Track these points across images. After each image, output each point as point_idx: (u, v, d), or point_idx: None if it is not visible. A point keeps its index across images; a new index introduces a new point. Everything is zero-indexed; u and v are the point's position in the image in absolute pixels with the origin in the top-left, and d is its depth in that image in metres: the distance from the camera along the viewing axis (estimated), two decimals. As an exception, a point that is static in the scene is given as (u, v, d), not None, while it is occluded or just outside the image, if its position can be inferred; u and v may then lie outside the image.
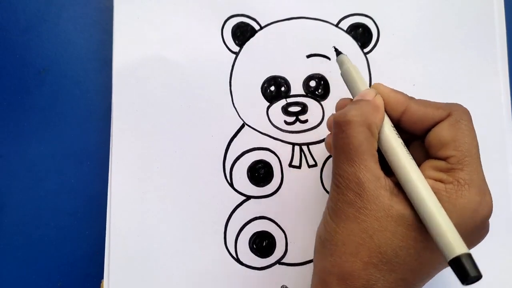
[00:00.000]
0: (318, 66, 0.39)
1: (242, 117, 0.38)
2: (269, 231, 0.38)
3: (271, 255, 0.37)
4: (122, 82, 0.38)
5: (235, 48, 0.39)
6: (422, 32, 0.39)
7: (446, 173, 0.27)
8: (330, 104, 0.38)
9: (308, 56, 0.39)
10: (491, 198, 0.27)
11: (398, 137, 0.28)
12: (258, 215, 0.38)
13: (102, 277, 0.37)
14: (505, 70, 0.39)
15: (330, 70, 0.38)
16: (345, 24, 0.39)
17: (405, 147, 0.28)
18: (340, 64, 0.32)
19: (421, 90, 0.39)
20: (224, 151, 0.38)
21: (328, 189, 0.38)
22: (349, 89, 0.31)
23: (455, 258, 0.24)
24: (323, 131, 0.38)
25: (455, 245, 0.24)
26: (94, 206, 0.39)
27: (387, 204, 0.26)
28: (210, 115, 0.38)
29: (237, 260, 0.37)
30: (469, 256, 0.24)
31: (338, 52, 0.33)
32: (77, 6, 0.41)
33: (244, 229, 0.38)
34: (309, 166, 0.38)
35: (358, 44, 0.39)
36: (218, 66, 0.39)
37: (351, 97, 0.31)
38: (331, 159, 0.38)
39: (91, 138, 0.40)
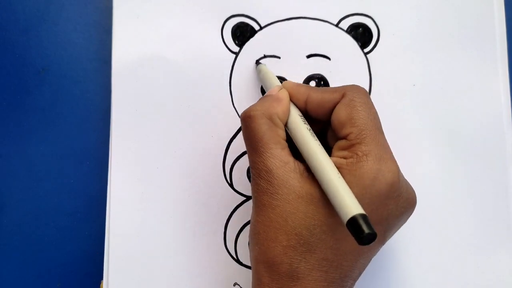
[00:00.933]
0: (318, 66, 0.39)
1: (242, 117, 0.38)
2: (269, 231, 0.38)
3: (271, 255, 0.37)
4: (122, 82, 0.38)
5: (235, 48, 0.39)
6: (422, 32, 0.39)
7: (347, 150, 0.28)
8: (330, 104, 0.38)
9: (308, 56, 0.39)
10: (395, 165, 0.28)
11: (305, 123, 0.30)
12: (258, 215, 0.38)
13: (102, 277, 0.37)
14: (505, 70, 0.39)
15: (330, 70, 0.38)
16: (345, 24, 0.39)
17: (311, 131, 0.30)
18: (259, 71, 0.37)
19: (421, 90, 0.39)
20: (224, 151, 0.38)
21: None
22: (265, 88, 0.35)
23: (351, 219, 0.24)
24: (323, 131, 0.38)
25: (349, 207, 0.25)
26: (93, 206, 0.39)
27: (297, 186, 0.27)
28: (210, 115, 0.38)
29: (237, 260, 0.37)
30: (363, 216, 0.24)
31: (257, 63, 0.38)
32: (77, 6, 0.41)
33: (244, 230, 0.38)
34: (309, 166, 0.38)
35: (358, 44, 0.39)
36: (218, 66, 0.39)
37: None
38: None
39: (91, 138, 0.40)
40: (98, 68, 0.40)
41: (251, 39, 0.39)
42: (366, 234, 0.24)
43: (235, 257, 0.37)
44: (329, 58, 0.39)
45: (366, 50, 0.39)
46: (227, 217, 0.38)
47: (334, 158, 0.28)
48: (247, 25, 0.39)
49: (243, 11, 0.39)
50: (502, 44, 0.39)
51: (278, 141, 0.29)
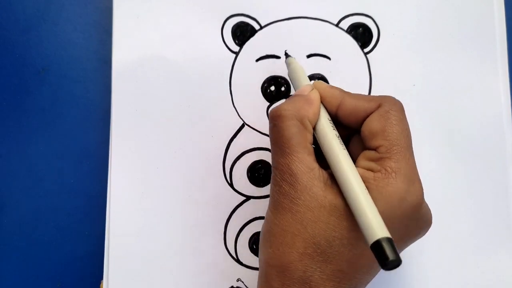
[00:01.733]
0: (318, 66, 0.39)
1: (242, 117, 0.38)
2: (269, 231, 0.38)
3: (271, 255, 0.37)
4: (122, 82, 0.38)
5: (235, 48, 0.39)
6: (422, 32, 0.39)
7: (376, 162, 0.28)
8: (330, 104, 0.38)
9: (308, 56, 0.39)
10: (421, 187, 0.28)
11: (334, 129, 0.29)
12: (258, 216, 0.38)
13: (102, 277, 0.37)
14: (505, 70, 0.39)
15: (330, 70, 0.38)
16: (345, 24, 0.39)
17: (339, 138, 0.29)
18: (288, 64, 0.34)
19: (421, 90, 0.39)
20: (224, 151, 0.38)
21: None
22: (294, 87, 0.33)
23: (376, 242, 0.24)
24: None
25: (376, 229, 0.24)
26: (93, 206, 0.39)
27: (320, 195, 0.27)
28: (210, 115, 0.38)
29: (237, 260, 0.37)
30: (389, 240, 0.24)
31: (287, 55, 0.35)
32: (77, 6, 0.41)
33: (244, 230, 0.38)
34: (309, 166, 0.38)
35: (358, 44, 0.39)
36: (218, 66, 0.39)
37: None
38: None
39: (91, 138, 0.40)
40: (98, 68, 0.40)
41: (251, 39, 0.39)
42: (391, 260, 0.23)
43: (235, 257, 0.37)
44: (329, 58, 0.39)
45: (366, 50, 0.39)
46: (227, 217, 0.38)
47: (361, 170, 0.28)
48: (247, 24, 0.39)
49: (243, 10, 0.39)
50: (502, 44, 0.39)
51: (306, 145, 0.28)
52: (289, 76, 0.34)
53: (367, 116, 0.29)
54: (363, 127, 0.29)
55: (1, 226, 0.39)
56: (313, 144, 0.29)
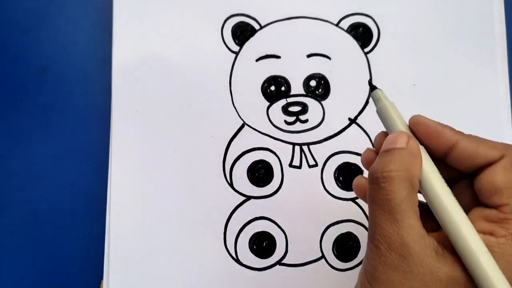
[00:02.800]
0: (318, 66, 0.39)
1: (242, 117, 0.38)
2: (269, 231, 0.38)
3: (271, 255, 0.37)
4: (122, 82, 0.38)
5: (235, 48, 0.39)
6: (422, 32, 0.39)
7: (498, 224, 0.24)
8: (330, 104, 0.38)
9: (308, 56, 0.39)
10: None
11: (444, 183, 0.25)
12: (258, 216, 0.38)
13: (102, 277, 0.37)
14: (505, 70, 0.39)
15: (330, 70, 0.38)
16: (345, 24, 0.39)
17: (452, 195, 0.25)
18: (376, 100, 0.28)
19: (421, 90, 0.39)
20: (224, 151, 0.38)
21: (329, 190, 0.38)
22: (385, 126, 0.28)
23: None
24: (324, 131, 0.38)
25: None
26: (94, 206, 0.39)
27: (435, 266, 0.24)
28: (210, 115, 0.38)
29: (237, 260, 0.37)
30: None
31: (373, 87, 0.29)
32: (77, 6, 0.41)
33: (244, 230, 0.37)
34: (310, 166, 0.38)
35: (358, 43, 0.39)
36: (218, 66, 0.39)
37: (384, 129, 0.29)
38: (331, 159, 0.38)
39: (91, 138, 0.40)
40: (98, 68, 0.40)
41: (251, 39, 0.39)
42: None
43: (235, 257, 0.37)
44: (329, 58, 0.39)
45: (366, 50, 0.39)
46: (227, 217, 0.38)
47: (481, 235, 0.24)
48: (247, 24, 0.39)
49: (243, 10, 0.39)
50: (502, 44, 0.39)
51: (416, 210, 0.25)
52: (377, 113, 0.28)
53: (486, 165, 0.25)
54: (481, 178, 0.25)
55: (1, 226, 0.39)
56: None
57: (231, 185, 0.38)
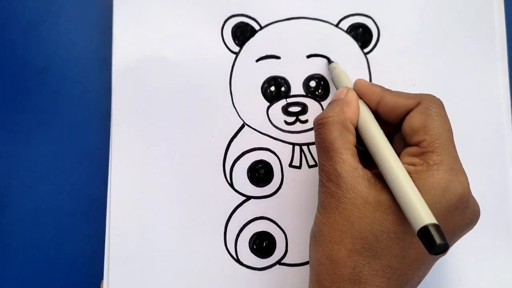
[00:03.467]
0: (318, 66, 0.39)
1: (242, 117, 0.38)
2: (269, 231, 0.38)
3: (271, 255, 0.37)
4: (122, 82, 0.38)
5: (235, 48, 0.39)
6: (422, 32, 0.39)
7: (418, 157, 0.28)
8: (330, 104, 0.38)
9: (308, 56, 0.39)
10: (466, 177, 0.28)
11: (376, 124, 0.30)
12: (258, 216, 0.38)
13: (102, 277, 0.37)
14: (505, 70, 0.39)
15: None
16: (345, 24, 0.39)
17: (381, 131, 0.30)
18: (331, 70, 0.36)
19: (421, 90, 0.38)
20: (224, 151, 0.38)
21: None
22: (337, 88, 0.35)
23: (422, 229, 0.24)
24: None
25: (422, 215, 0.25)
26: (94, 206, 0.39)
27: (364, 192, 0.28)
28: (210, 115, 0.38)
29: (237, 260, 0.37)
30: (436, 226, 0.24)
31: (330, 61, 0.38)
32: (77, 6, 0.41)
33: (244, 230, 0.38)
34: (309, 166, 0.38)
35: (358, 44, 0.39)
36: (218, 66, 0.39)
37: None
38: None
39: (91, 138, 0.40)
40: (98, 68, 0.40)
41: (251, 39, 0.39)
42: (438, 244, 0.24)
43: (235, 257, 0.37)
44: (329, 58, 0.39)
45: (366, 50, 0.39)
46: (227, 217, 0.38)
47: (404, 166, 0.28)
48: (247, 25, 0.39)
49: (243, 11, 0.39)
50: (502, 44, 0.39)
51: (349, 147, 0.29)
52: (333, 81, 0.36)
53: (407, 113, 0.30)
54: (404, 124, 0.30)
55: (1, 226, 0.39)
56: (360, 146, 0.31)
57: (231, 185, 0.38)
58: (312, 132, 0.38)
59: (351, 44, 0.39)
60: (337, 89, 0.34)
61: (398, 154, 0.29)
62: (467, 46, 0.39)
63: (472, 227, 0.30)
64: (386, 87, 0.32)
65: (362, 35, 0.39)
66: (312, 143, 0.38)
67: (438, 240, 0.24)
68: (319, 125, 0.30)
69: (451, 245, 0.30)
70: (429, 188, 0.27)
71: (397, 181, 0.27)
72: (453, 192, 0.27)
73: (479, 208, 0.30)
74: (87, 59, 0.40)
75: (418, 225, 0.25)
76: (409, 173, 0.27)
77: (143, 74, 0.38)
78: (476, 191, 0.38)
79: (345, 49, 0.39)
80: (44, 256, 0.39)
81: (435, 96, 0.30)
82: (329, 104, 0.32)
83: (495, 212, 0.38)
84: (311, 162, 0.38)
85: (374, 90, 0.31)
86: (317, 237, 0.29)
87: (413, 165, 0.28)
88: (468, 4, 0.39)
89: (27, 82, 0.40)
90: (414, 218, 0.25)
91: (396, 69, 0.39)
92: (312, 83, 0.38)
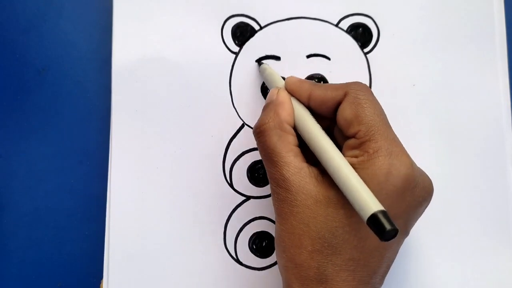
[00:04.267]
0: (318, 66, 0.39)
1: (242, 117, 0.38)
2: (269, 231, 0.38)
3: (270, 255, 0.37)
4: (122, 82, 0.38)
5: (235, 48, 0.39)
6: (422, 32, 0.39)
7: (358, 149, 0.28)
8: (330, 104, 0.38)
9: (308, 56, 0.39)
10: (408, 157, 0.28)
11: (312, 119, 0.30)
12: (258, 215, 0.38)
13: (102, 277, 0.37)
14: (505, 70, 0.39)
15: (330, 70, 0.38)
16: (345, 24, 0.39)
17: (319, 126, 0.29)
18: (263, 71, 0.36)
19: (421, 90, 0.39)
20: (224, 151, 0.38)
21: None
22: (269, 89, 0.35)
23: (371, 217, 0.24)
24: (323, 131, 0.38)
25: (369, 204, 0.25)
26: (94, 206, 0.39)
27: (313, 191, 0.28)
28: (210, 115, 0.38)
29: (237, 260, 0.37)
30: (383, 212, 0.24)
31: (260, 63, 0.38)
32: (77, 6, 0.41)
33: (244, 229, 0.38)
34: (309, 166, 0.38)
35: (358, 44, 0.39)
36: (218, 66, 0.39)
37: None
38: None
39: (91, 138, 0.40)
40: (98, 68, 0.40)
41: (251, 39, 0.39)
42: (388, 230, 0.24)
43: (235, 257, 0.37)
44: (329, 58, 0.39)
45: (366, 50, 0.39)
46: (227, 217, 0.38)
47: (347, 159, 0.28)
48: (247, 25, 0.39)
49: (243, 11, 0.39)
50: (502, 44, 0.39)
51: (290, 148, 0.29)
52: (265, 82, 0.36)
53: (337, 105, 0.30)
54: (337, 117, 0.30)
55: (1, 226, 0.39)
56: (301, 144, 0.30)
57: (230, 185, 0.38)
58: (312, 132, 0.38)
59: (351, 44, 0.39)
60: (269, 88, 0.34)
61: (340, 149, 0.29)
62: (467, 46, 0.39)
63: (427, 204, 0.30)
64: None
65: (362, 35, 0.39)
66: (312, 143, 0.38)
67: (387, 226, 0.24)
68: (258, 134, 0.30)
69: (412, 226, 0.30)
70: (372, 176, 0.27)
71: (340, 174, 0.27)
72: (396, 175, 0.27)
73: (431, 183, 0.29)
74: (87, 59, 0.40)
75: (366, 215, 0.25)
76: (352, 165, 0.27)
77: (143, 74, 0.38)
78: (476, 191, 0.38)
79: (345, 49, 0.39)
80: (44, 256, 0.39)
81: (361, 83, 0.30)
82: (263, 109, 0.32)
83: (495, 212, 0.38)
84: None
85: (303, 86, 0.31)
86: (279, 244, 0.29)
87: (355, 157, 0.28)
88: (468, 4, 0.39)
89: (27, 82, 0.40)
90: (361, 208, 0.25)
91: (396, 69, 0.39)
92: (312, 83, 0.38)
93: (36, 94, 0.40)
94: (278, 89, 0.32)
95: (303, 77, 0.38)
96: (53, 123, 0.40)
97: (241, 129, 0.38)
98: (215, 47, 0.39)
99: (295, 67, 0.38)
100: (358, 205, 0.25)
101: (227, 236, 0.37)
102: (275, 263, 0.37)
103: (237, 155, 0.38)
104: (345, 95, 0.29)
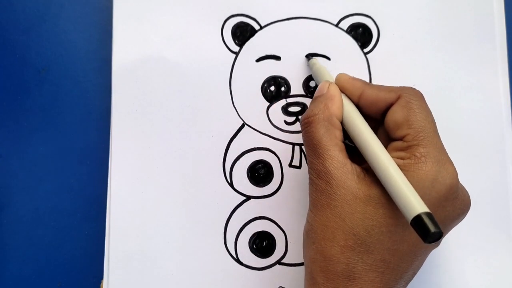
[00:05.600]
0: (318, 66, 0.39)
1: (242, 117, 0.38)
2: (269, 231, 0.38)
3: (271, 255, 0.37)
4: (122, 82, 0.38)
5: (235, 48, 0.39)
6: (422, 32, 0.39)
7: (405, 151, 0.28)
8: (330, 104, 0.38)
9: (308, 56, 0.39)
10: (454, 168, 0.28)
11: (361, 118, 0.30)
12: (258, 215, 0.38)
13: (102, 277, 0.37)
14: (505, 70, 0.39)
15: (330, 70, 0.38)
16: (345, 24, 0.39)
17: (367, 125, 0.30)
18: (312, 65, 0.37)
19: (421, 90, 0.39)
20: (224, 151, 0.38)
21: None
22: (317, 83, 0.35)
23: (416, 218, 0.24)
24: (323, 131, 0.38)
25: (415, 205, 0.25)
26: (94, 206, 0.39)
27: (354, 187, 0.28)
28: (210, 115, 0.38)
29: (237, 260, 0.37)
30: (429, 214, 0.24)
31: (309, 58, 0.38)
32: (77, 6, 0.41)
33: (244, 229, 0.38)
34: (309, 166, 0.38)
35: (358, 44, 0.39)
36: (218, 66, 0.39)
37: None
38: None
39: (91, 138, 0.40)
40: (98, 68, 0.40)
41: (251, 39, 0.39)
42: (432, 232, 0.24)
43: (235, 257, 0.37)
44: (329, 58, 0.39)
45: (366, 50, 0.39)
46: (227, 217, 0.38)
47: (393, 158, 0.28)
48: (247, 24, 0.39)
49: (243, 10, 0.39)
50: (502, 44, 0.39)
51: (336, 143, 0.29)
52: (314, 77, 0.36)
53: (388, 107, 0.30)
54: (386, 118, 0.30)
55: (1, 226, 0.39)
56: (348, 141, 0.31)
57: (231, 185, 0.38)
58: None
59: (351, 44, 0.39)
60: (317, 83, 0.34)
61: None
62: (467, 46, 0.39)
63: (463, 218, 0.30)
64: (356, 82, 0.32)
65: (362, 35, 0.39)
66: (312, 143, 0.38)
67: (432, 228, 0.24)
68: (306, 124, 0.30)
69: (444, 236, 0.30)
70: (418, 181, 0.27)
71: (388, 173, 0.27)
72: (442, 183, 0.27)
73: (469, 198, 0.30)
74: (87, 59, 0.40)
75: (411, 215, 0.25)
76: (399, 166, 0.27)
77: (143, 74, 0.38)
78: (476, 191, 0.38)
79: (345, 49, 0.39)
80: (44, 256, 0.39)
81: (415, 89, 0.31)
82: (313, 101, 0.32)
83: (495, 212, 0.38)
84: (311, 162, 0.38)
85: (355, 84, 0.32)
86: (309, 234, 0.29)
87: (401, 159, 0.28)
88: (468, 4, 0.39)
89: (27, 82, 0.40)
90: (407, 208, 0.25)
91: (396, 69, 0.39)
92: (312, 83, 0.38)
93: (36, 94, 0.40)
94: (329, 83, 0.32)
95: (304, 77, 0.38)
96: (53, 123, 0.40)
97: (241, 129, 0.38)
98: (215, 47, 0.39)
99: (295, 67, 0.38)
100: (403, 205, 0.25)
101: (227, 236, 0.37)
102: (275, 263, 0.37)
103: (237, 155, 0.38)
104: (398, 98, 0.30)
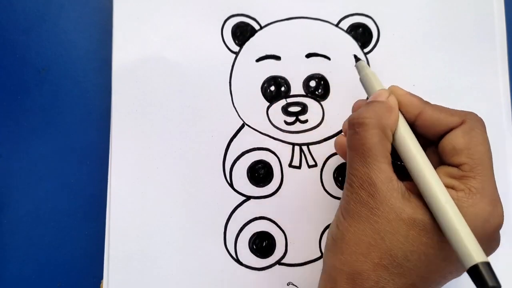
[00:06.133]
0: (318, 66, 0.39)
1: (242, 117, 0.38)
2: (269, 231, 0.38)
3: (271, 255, 0.37)
4: (122, 82, 0.38)
5: (235, 48, 0.39)
6: (422, 32, 0.39)
7: (458, 180, 0.27)
8: (330, 104, 0.38)
9: (308, 56, 0.39)
10: (502, 209, 0.27)
11: (414, 138, 0.28)
12: (258, 216, 0.38)
13: (102, 277, 0.37)
14: (505, 70, 0.39)
15: (330, 70, 0.38)
16: (345, 24, 0.39)
17: (420, 147, 0.28)
18: (360, 69, 0.33)
19: (421, 90, 0.39)
20: (224, 151, 0.38)
21: (328, 190, 0.38)
22: (367, 92, 0.32)
23: (474, 267, 0.24)
24: (323, 131, 0.38)
25: (474, 253, 0.24)
26: (94, 206, 0.39)
27: (398, 207, 0.26)
28: (210, 115, 0.38)
29: (237, 260, 0.37)
30: (488, 264, 0.24)
31: (357, 59, 0.34)
32: (77, 6, 0.41)
33: (244, 230, 0.38)
34: (309, 166, 0.38)
35: (358, 44, 0.39)
36: (218, 66, 0.39)
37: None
38: (331, 159, 0.38)
39: (91, 138, 0.40)
40: (98, 68, 0.40)
41: (251, 39, 0.39)
42: (491, 286, 0.23)
43: (235, 257, 0.37)
44: (329, 58, 0.39)
45: (366, 50, 0.39)
46: (227, 217, 0.38)
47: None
48: (247, 24, 0.39)
49: (243, 10, 0.39)
50: (502, 44, 0.39)
51: (386, 155, 0.27)
52: (361, 81, 0.33)
53: (448, 131, 0.28)
54: (444, 141, 0.28)
55: (1, 226, 0.39)
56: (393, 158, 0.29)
57: (231, 185, 0.38)
58: (312, 132, 0.38)
59: (351, 44, 0.39)
60: (365, 90, 0.32)
61: None
62: (467, 46, 0.39)
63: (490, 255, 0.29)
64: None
65: (362, 35, 0.39)
66: (312, 143, 0.38)
67: (490, 282, 0.23)
68: (357, 124, 0.28)
69: None
70: (471, 219, 0.26)
71: (445, 211, 0.25)
72: (493, 224, 0.26)
73: (500, 238, 0.29)
74: (87, 59, 0.40)
75: (469, 263, 0.24)
76: (452, 197, 0.26)
77: (143, 74, 0.38)
78: (476, 191, 0.38)
79: (345, 49, 0.39)
80: (44, 256, 0.39)
81: (478, 115, 0.29)
82: (368, 104, 0.30)
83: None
84: (311, 162, 0.38)
85: (413, 102, 0.29)
86: (338, 243, 0.28)
87: (453, 187, 0.27)
88: (468, 4, 0.39)
89: (27, 82, 0.40)
90: (465, 254, 0.24)
91: (396, 69, 0.39)
92: (312, 83, 0.38)
93: (36, 94, 0.40)
94: (390, 93, 0.30)
95: (304, 77, 0.38)
96: (53, 123, 0.40)
97: (241, 129, 0.38)
98: (215, 47, 0.39)
99: (295, 67, 0.38)
100: (462, 251, 0.24)
101: (227, 236, 0.37)
102: (275, 263, 0.37)
103: (237, 155, 0.38)
104: (461, 123, 0.28)
